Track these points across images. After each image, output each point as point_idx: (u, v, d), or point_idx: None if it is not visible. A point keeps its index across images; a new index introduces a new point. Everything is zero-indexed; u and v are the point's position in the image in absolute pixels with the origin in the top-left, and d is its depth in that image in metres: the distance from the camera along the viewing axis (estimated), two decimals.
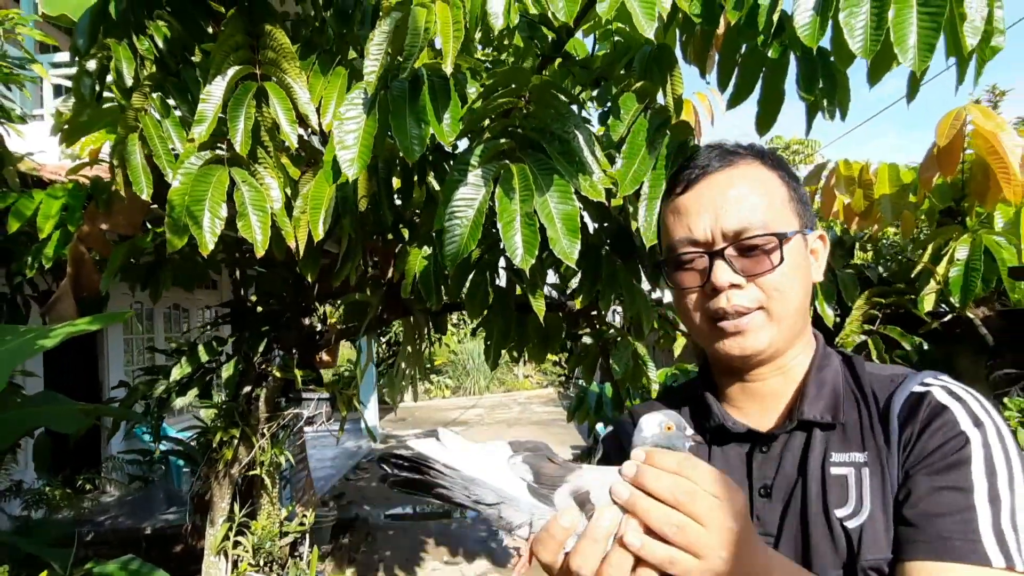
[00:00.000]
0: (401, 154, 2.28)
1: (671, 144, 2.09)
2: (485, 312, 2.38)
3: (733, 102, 2.36)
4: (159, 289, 3.60)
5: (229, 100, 2.13)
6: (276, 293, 3.53)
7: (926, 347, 2.49)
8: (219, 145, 2.22)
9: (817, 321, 2.76)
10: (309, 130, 2.27)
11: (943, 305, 2.42)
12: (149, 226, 3.47)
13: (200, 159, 2.16)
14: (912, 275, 2.59)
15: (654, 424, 0.68)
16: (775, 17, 1.64)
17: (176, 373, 3.31)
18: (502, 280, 2.50)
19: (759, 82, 2.29)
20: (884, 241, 3.15)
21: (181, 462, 6.50)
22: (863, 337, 2.55)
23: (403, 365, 3.38)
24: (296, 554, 3.90)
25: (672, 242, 0.90)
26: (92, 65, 2.39)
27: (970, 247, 2.31)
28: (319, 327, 3.39)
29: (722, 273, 0.83)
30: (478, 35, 2.06)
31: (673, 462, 0.61)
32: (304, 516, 3.92)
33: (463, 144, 2.30)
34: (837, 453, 0.82)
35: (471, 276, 2.22)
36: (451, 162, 2.70)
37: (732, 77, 2.33)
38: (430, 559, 4.87)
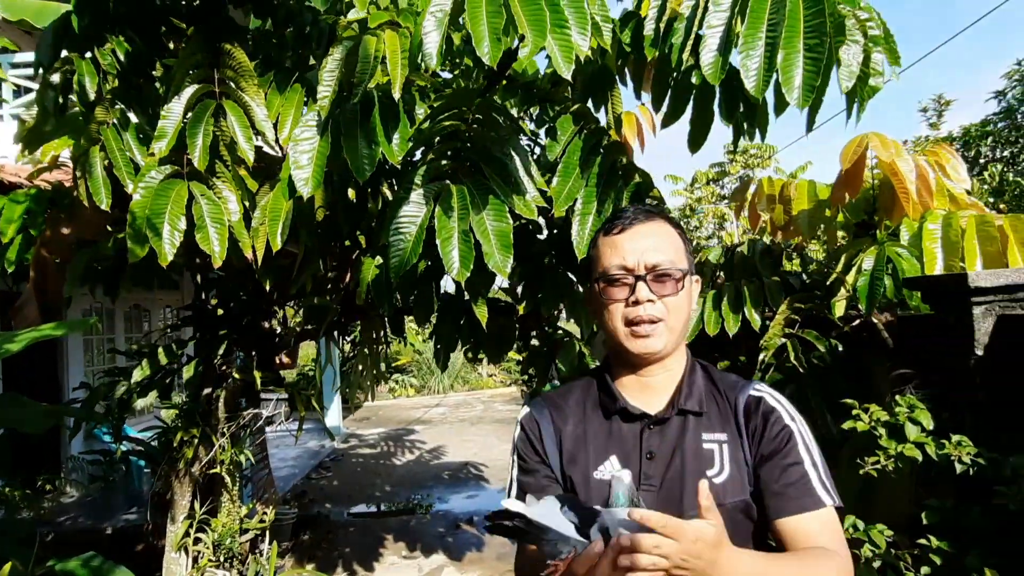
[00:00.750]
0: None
1: (603, 164, 2.29)
2: (433, 319, 2.54)
3: (666, 122, 2.56)
4: (118, 292, 3.68)
5: (188, 117, 2.25)
6: (236, 297, 3.63)
7: (840, 348, 2.72)
8: (177, 161, 2.34)
9: (745, 325, 2.98)
10: (275, 144, 2.38)
11: (853, 311, 2.65)
12: (110, 229, 3.54)
13: (160, 173, 2.27)
14: (828, 283, 2.82)
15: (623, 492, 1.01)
16: (685, 56, 1.83)
17: (137, 375, 3.39)
18: (451, 288, 2.66)
19: (689, 104, 2.49)
20: (808, 252, 3.38)
21: (142, 463, 6.52)
22: (784, 340, 2.77)
23: (360, 367, 3.52)
24: (256, 551, 3.99)
25: (608, 266, 1.19)
26: (56, 78, 2.47)
27: (875, 258, 2.53)
28: (279, 329, 3.50)
29: (643, 291, 1.15)
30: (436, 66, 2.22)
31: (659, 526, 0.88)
32: (264, 514, 4.02)
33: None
34: (706, 433, 1.16)
35: (417, 285, 2.37)
36: (402, 177, 2.86)
37: (665, 100, 2.53)
38: (389, 554, 5.01)
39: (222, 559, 3.63)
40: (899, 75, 1.90)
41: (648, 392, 1.20)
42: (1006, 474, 1.81)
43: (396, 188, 2.78)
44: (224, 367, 3.58)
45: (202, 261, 3.66)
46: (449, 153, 2.05)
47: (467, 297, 2.75)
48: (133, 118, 2.57)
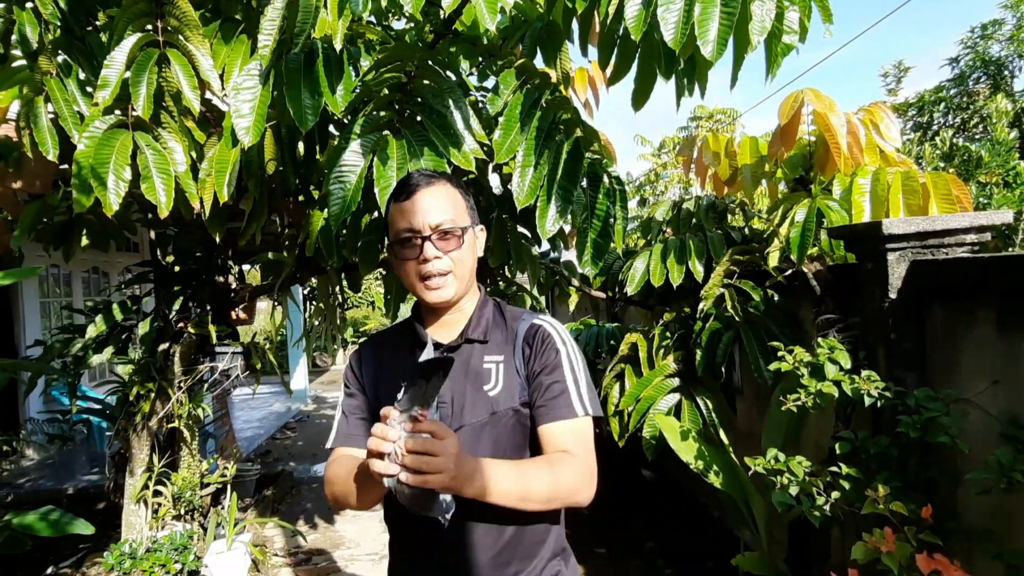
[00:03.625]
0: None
1: (543, 118, 2.34)
2: (382, 270, 2.60)
3: (612, 79, 2.62)
4: (72, 248, 3.66)
5: (132, 66, 2.24)
6: (191, 252, 3.64)
7: (776, 298, 2.85)
8: (122, 111, 2.34)
9: (689, 275, 3.10)
10: (221, 94, 2.38)
11: (785, 262, 2.77)
12: (61, 184, 3.50)
13: (105, 123, 2.27)
14: (765, 236, 2.94)
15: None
16: (611, 9, 1.89)
17: (92, 331, 3.40)
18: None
19: (635, 63, 2.55)
20: (756, 206, 3.50)
21: (104, 423, 6.51)
22: (723, 289, 2.90)
23: (317, 323, 3.57)
24: (217, 505, 4.07)
25: (398, 230, 1.32)
26: None
27: (807, 210, 2.66)
28: (234, 285, 3.52)
29: (430, 250, 1.29)
30: (366, 15, 2.24)
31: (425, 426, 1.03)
32: (226, 468, 4.09)
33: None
34: (487, 356, 1.35)
35: (363, 236, 2.42)
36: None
37: (611, 58, 2.58)
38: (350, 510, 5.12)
39: (182, 512, 3.70)
40: (831, 32, 1.98)
41: (446, 327, 1.39)
42: (911, 405, 1.96)
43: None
44: (180, 323, 3.60)
45: (154, 216, 3.66)
46: (390, 104, 2.09)
47: None
48: (76, 68, 2.54)
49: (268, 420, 8.34)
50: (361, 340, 1.58)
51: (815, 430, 2.74)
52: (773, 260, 2.74)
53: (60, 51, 2.46)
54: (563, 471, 1.23)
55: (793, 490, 2.07)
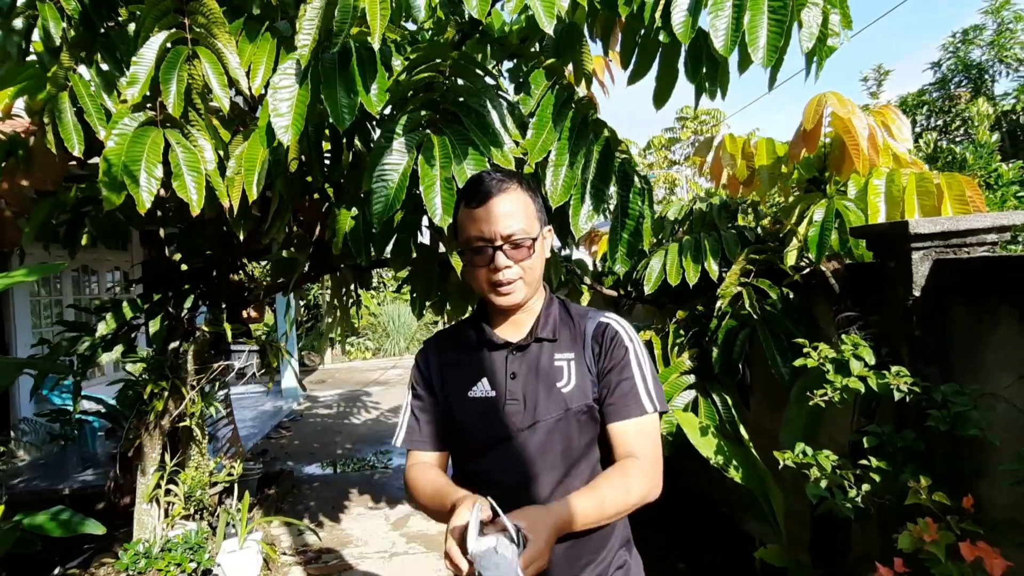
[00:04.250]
0: (331, 120, 2.47)
1: (575, 118, 2.37)
2: (409, 268, 2.60)
3: (633, 78, 2.66)
4: (76, 247, 3.62)
5: (161, 63, 2.23)
6: (202, 250, 3.62)
7: (791, 296, 2.91)
8: (149, 106, 2.33)
9: (704, 275, 3.15)
10: (233, 91, 2.38)
11: (804, 260, 2.83)
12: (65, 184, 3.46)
13: (135, 120, 2.26)
14: (781, 235, 3.00)
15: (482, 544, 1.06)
16: (657, 14, 1.93)
17: (102, 329, 3.37)
18: (426, 238, 2.72)
19: (656, 62, 2.59)
20: (763, 207, 3.56)
21: (96, 424, 6.43)
22: (739, 288, 2.95)
23: (330, 320, 3.56)
24: (222, 504, 4.05)
25: (469, 236, 1.33)
26: (19, 23, 2.41)
27: (825, 210, 2.71)
28: (248, 283, 3.51)
29: (501, 259, 1.31)
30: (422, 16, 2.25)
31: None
32: (232, 467, 4.07)
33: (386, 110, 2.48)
34: (558, 354, 1.38)
35: (396, 234, 2.43)
36: (375, 129, 2.88)
37: (633, 56, 2.62)
38: (354, 506, 5.11)
39: (192, 510, 3.68)
40: (850, 38, 2.03)
41: (514, 326, 1.42)
42: (937, 400, 2.01)
43: (369, 140, 2.82)
44: (191, 321, 3.58)
45: (164, 214, 3.63)
46: (430, 103, 2.10)
47: (442, 249, 2.84)
48: (99, 66, 2.52)
49: (261, 419, 8.28)
50: (426, 341, 1.56)
51: (829, 426, 2.79)
52: (791, 259, 2.79)
53: (83, 47, 2.44)
54: (634, 481, 1.26)
55: (823, 483, 2.12)
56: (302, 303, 14.14)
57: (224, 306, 3.41)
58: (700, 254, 3.16)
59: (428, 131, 1.99)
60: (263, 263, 3.80)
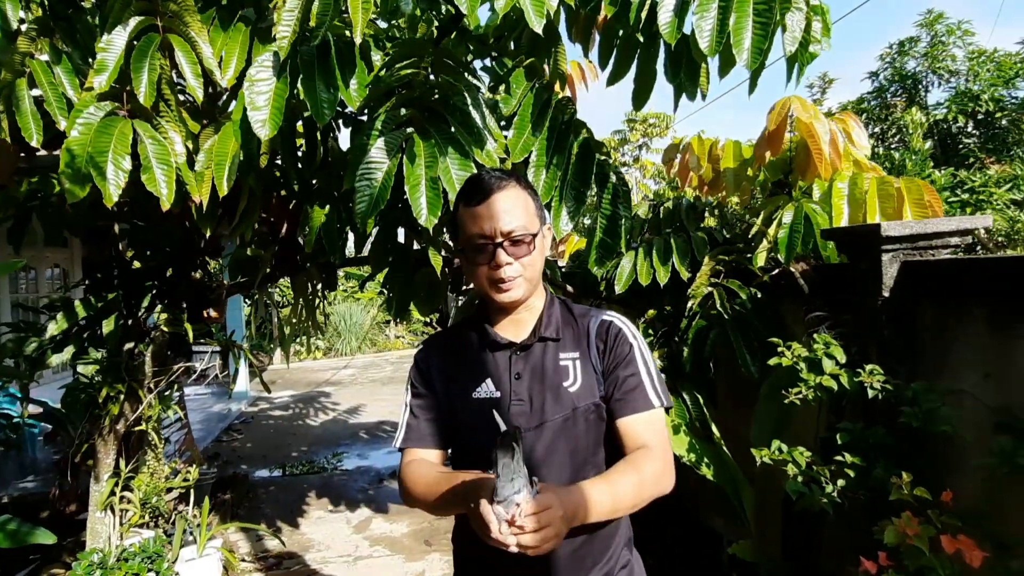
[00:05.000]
0: (306, 115, 2.40)
1: (555, 119, 2.37)
2: (387, 268, 2.56)
3: (612, 79, 2.67)
4: (22, 242, 3.44)
5: (132, 51, 2.13)
6: (159, 247, 3.48)
7: (759, 296, 2.97)
8: (115, 98, 2.22)
9: (675, 275, 3.19)
10: (217, 81, 2.29)
11: (772, 261, 2.90)
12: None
13: (100, 110, 2.16)
14: (749, 236, 3.06)
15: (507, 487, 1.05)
16: (643, 14, 1.94)
17: (53, 329, 3.20)
18: (400, 237, 2.68)
19: (634, 63, 2.60)
20: (728, 208, 3.63)
21: (36, 429, 6.12)
22: (709, 289, 3.00)
23: (295, 320, 3.48)
24: (179, 511, 3.91)
25: (470, 234, 1.32)
26: None
27: (794, 213, 2.78)
28: (210, 281, 3.39)
29: (502, 256, 1.30)
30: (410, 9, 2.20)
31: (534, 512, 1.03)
32: (188, 472, 3.93)
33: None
34: (562, 353, 1.38)
35: (374, 232, 2.38)
36: (340, 128, 2.83)
37: (611, 57, 2.63)
38: (314, 509, 5.00)
39: (147, 518, 3.53)
40: (830, 45, 2.09)
41: (516, 325, 1.41)
42: (908, 397, 2.09)
43: (335, 138, 2.76)
44: (147, 321, 3.44)
45: (119, 209, 3.48)
46: (411, 101, 2.07)
47: (415, 246, 2.79)
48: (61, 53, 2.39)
49: (209, 422, 8.03)
50: (424, 341, 1.54)
51: (794, 424, 2.87)
52: (760, 260, 2.86)
53: (42, 32, 2.31)
54: (646, 472, 1.26)
55: (800, 479, 2.17)
56: (248, 303, 13.79)
57: (185, 305, 3.29)
58: (669, 255, 3.20)
59: (412, 129, 1.96)
60: (223, 261, 3.68)
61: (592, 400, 1.34)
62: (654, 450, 1.30)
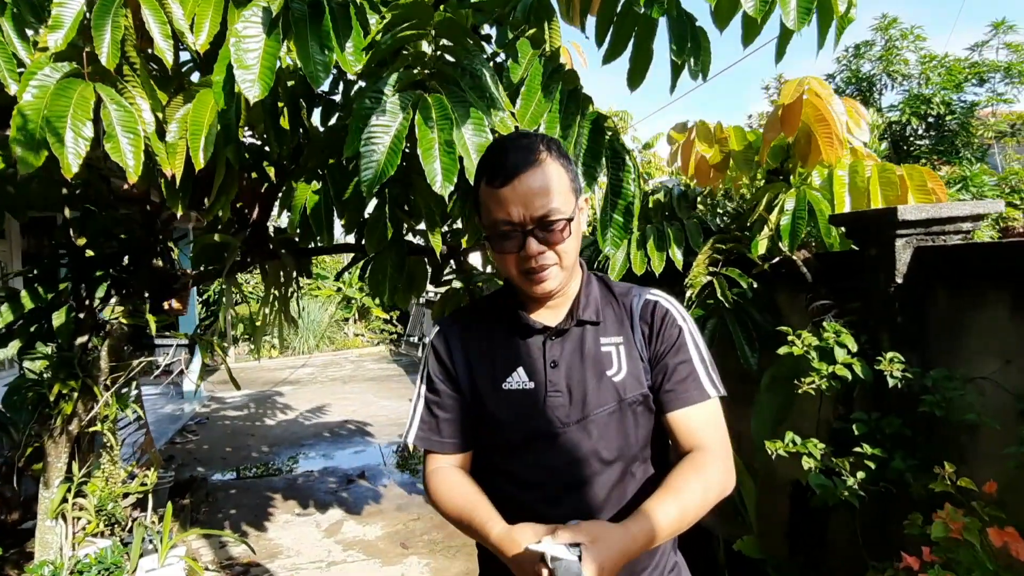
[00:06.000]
0: (291, 84, 2.21)
1: (563, 90, 2.23)
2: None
3: (608, 57, 2.54)
4: None
5: (93, 6, 1.91)
6: (113, 233, 3.21)
7: (755, 286, 2.89)
8: (73, 59, 1.99)
9: (669, 264, 3.09)
10: (189, 44, 2.08)
11: (771, 249, 2.82)
12: None
13: (57, 71, 1.93)
14: (747, 224, 2.98)
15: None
16: None
17: None
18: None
19: (631, 41, 2.49)
20: (720, 197, 3.56)
21: None
22: (708, 277, 2.91)
23: (267, 312, 3.26)
24: (134, 517, 3.64)
25: (495, 220, 1.16)
26: None
27: (796, 200, 2.71)
28: (174, 270, 3.14)
29: (533, 245, 1.14)
30: None
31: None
32: (146, 476, 3.66)
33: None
34: (604, 338, 1.23)
35: (371, 210, 2.20)
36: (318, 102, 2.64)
37: (608, 35, 2.51)
38: (280, 513, 4.76)
39: (102, 525, 3.26)
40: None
41: (550, 307, 1.26)
42: (928, 386, 2.02)
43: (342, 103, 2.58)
44: (102, 312, 3.17)
45: (71, 191, 3.20)
46: (417, 58, 1.90)
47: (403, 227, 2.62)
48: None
49: (161, 424, 7.63)
50: (441, 321, 1.34)
51: (796, 413, 2.80)
52: (761, 248, 2.77)
53: None
54: (712, 477, 1.12)
55: (817, 469, 2.08)
56: (200, 298, 13.27)
57: (147, 295, 3.03)
58: (664, 243, 3.11)
59: (420, 91, 1.79)
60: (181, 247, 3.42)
61: (640, 391, 1.20)
62: (714, 450, 1.16)
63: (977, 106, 12.89)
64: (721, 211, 3.44)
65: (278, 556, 3.98)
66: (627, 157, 2.24)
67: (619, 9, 2.46)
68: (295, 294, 3.26)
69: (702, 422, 1.18)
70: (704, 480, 1.10)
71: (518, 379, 1.22)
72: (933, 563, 1.54)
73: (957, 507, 1.63)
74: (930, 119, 12.61)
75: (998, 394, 1.96)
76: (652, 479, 1.22)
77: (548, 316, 1.25)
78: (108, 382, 3.02)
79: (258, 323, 3.36)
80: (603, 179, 2.22)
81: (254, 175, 2.97)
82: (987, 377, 1.99)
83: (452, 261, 3.36)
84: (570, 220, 1.15)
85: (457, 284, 3.37)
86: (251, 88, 1.79)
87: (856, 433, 2.12)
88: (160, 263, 3.06)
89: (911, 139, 13.04)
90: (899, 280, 2.23)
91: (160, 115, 2.13)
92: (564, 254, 1.17)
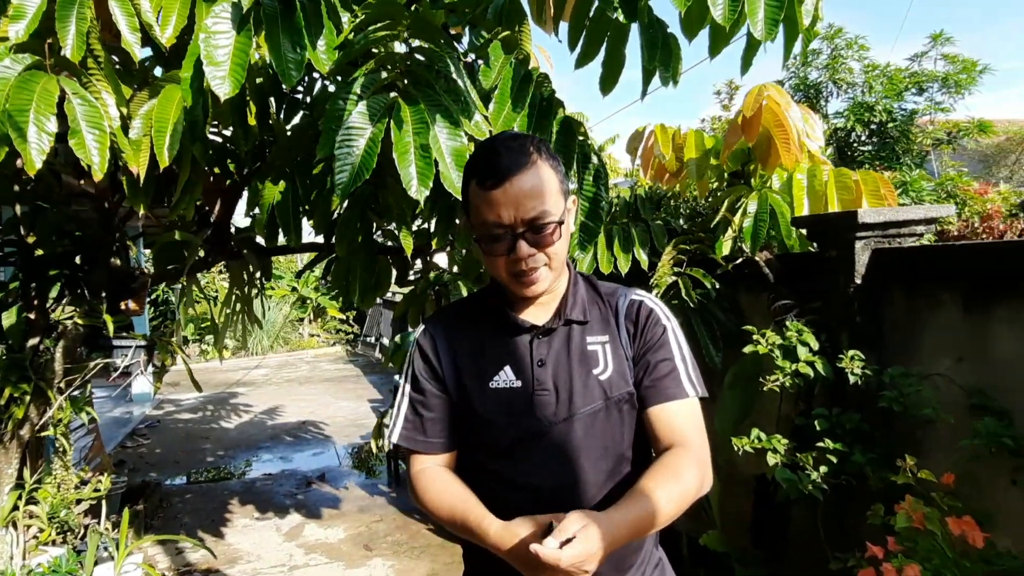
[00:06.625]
0: (259, 81, 2.18)
1: (535, 95, 2.25)
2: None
3: (580, 62, 2.57)
4: None
5: None
6: (69, 231, 3.10)
7: (717, 286, 2.97)
8: (35, 51, 1.92)
9: (635, 264, 3.14)
10: (158, 39, 2.02)
11: (734, 251, 2.90)
12: None
13: (18, 62, 1.86)
14: (711, 225, 3.05)
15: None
16: None
17: None
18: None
19: (603, 46, 2.52)
20: (683, 199, 3.63)
21: None
22: (673, 278, 2.97)
23: (229, 311, 3.19)
24: (87, 524, 3.52)
25: (485, 221, 1.16)
26: None
27: (758, 203, 2.79)
28: (132, 269, 3.04)
29: (523, 248, 1.15)
30: None
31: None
32: (99, 482, 3.55)
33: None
34: (590, 337, 1.25)
35: (343, 210, 2.18)
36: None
37: (580, 40, 2.54)
38: (238, 517, 4.66)
39: (54, 533, 3.15)
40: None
41: (537, 306, 1.27)
42: (885, 382, 2.11)
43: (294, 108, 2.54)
44: (55, 313, 3.06)
45: (22, 188, 3.08)
46: (389, 59, 1.89)
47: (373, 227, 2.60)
48: None
49: (109, 428, 7.38)
50: (427, 319, 1.33)
51: (757, 410, 2.88)
52: (725, 249, 2.85)
53: None
54: (688, 476, 1.13)
55: (780, 464, 2.15)
56: (149, 298, 12.86)
57: (104, 295, 2.93)
58: (630, 244, 3.16)
59: (395, 94, 1.78)
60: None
61: (626, 389, 1.22)
62: (692, 449, 1.17)
63: (916, 114, 13.45)
64: (684, 213, 3.52)
65: (238, 561, 3.90)
66: (597, 160, 2.27)
67: (592, 14, 2.50)
68: (259, 294, 3.21)
69: (682, 418, 1.20)
70: (681, 485, 1.12)
71: (505, 377, 1.22)
72: (896, 552, 1.61)
73: (917, 498, 1.71)
74: (873, 126, 13.09)
75: (951, 390, 2.06)
76: (641, 461, 1.25)
77: (535, 315, 1.26)
78: (62, 385, 2.91)
79: (220, 323, 3.28)
80: (573, 184, 2.26)
81: (217, 171, 2.91)
82: (941, 374, 2.09)
83: (419, 261, 3.35)
84: (560, 223, 1.16)
85: (423, 284, 3.36)
86: (221, 85, 1.76)
87: (818, 429, 2.20)
88: (118, 262, 2.97)
89: (855, 145, 13.50)
90: (858, 281, 2.32)
91: (124, 110, 2.07)
92: (554, 256, 1.18)
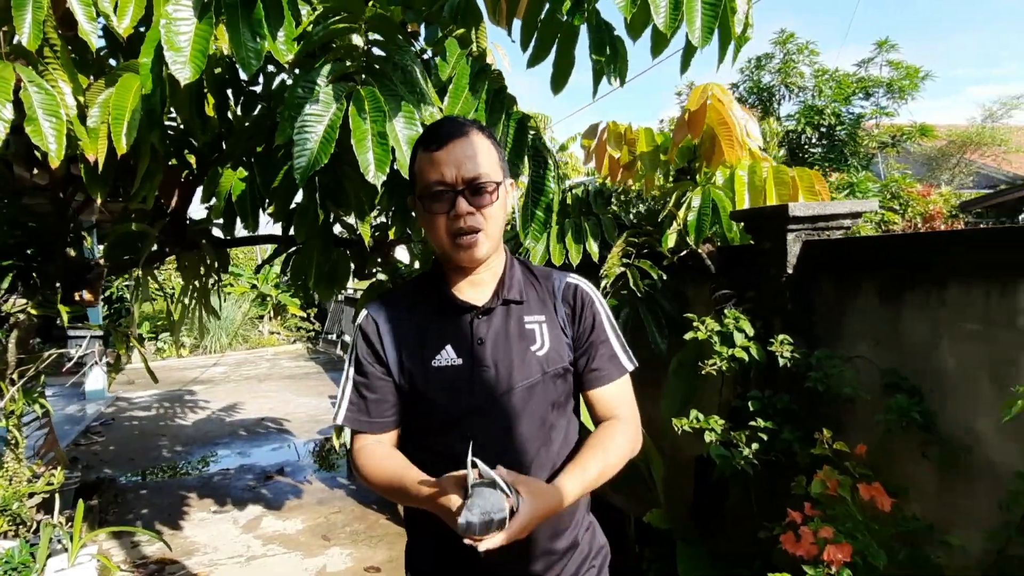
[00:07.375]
0: (217, 72, 2.23)
1: (489, 89, 2.35)
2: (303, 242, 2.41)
3: (532, 61, 2.68)
4: None
5: None
6: (22, 223, 3.08)
7: (665, 276, 3.11)
8: None
9: (587, 256, 3.26)
10: (115, 28, 2.06)
11: (679, 243, 3.04)
12: None
13: None
14: (659, 220, 3.19)
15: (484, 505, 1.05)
16: None
17: None
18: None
19: (555, 47, 2.63)
20: (631, 194, 3.77)
21: None
22: (622, 269, 3.10)
23: (186, 304, 3.21)
24: (38, 519, 3.50)
25: (428, 182, 1.25)
26: None
27: (702, 198, 2.94)
28: (87, 260, 3.04)
29: (462, 205, 1.23)
30: None
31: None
32: (52, 476, 3.53)
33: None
34: (527, 316, 1.34)
35: (300, 199, 2.25)
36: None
37: (532, 40, 2.64)
38: (195, 511, 4.64)
39: (6, 526, 3.13)
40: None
41: (475, 287, 1.34)
42: (812, 364, 2.26)
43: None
44: (5, 304, 3.04)
45: None
46: (348, 51, 1.97)
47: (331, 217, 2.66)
48: None
49: (62, 425, 7.24)
50: (369, 304, 1.39)
51: (700, 395, 3.03)
52: (671, 242, 2.99)
53: None
54: (620, 444, 1.30)
55: (717, 441, 2.29)
56: (104, 293, 12.57)
57: (58, 286, 2.93)
58: (581, 236, 3.28)
59: (352, 83, 1.86)
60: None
61: (562, 364, 1.32)
62: (626, 421, 1.34)
63: (863, 118, 13.98)
64: (634, 208, 3.66)
65: (195, 553, 3.91)
66: (548, 156, 2.38)
67: (543, 15, 2.60)
68: (216, 286, 3.23)
69: (618, 395, 1.36)
70: (606, 453, 1.27)
71: (447, 356, 1.29)
72: (813, 517, 1.75)
73: (833, 468, 1.86)
74: (822, 129, 13.56)
75: (870, 370, 2.22)
76: (572, 427, 1.38)
77: (474, 295, 1.33)
78: (15, 376, 2.91)
79: (176, 316, 3.29)
80: (524, 179, 2.36)
81: (174, 162, 2.93)
82: (861, 356, 2.25)
83: (378, 257, 3.42)
84: (498, 184, 1.27)
85: (382, 277, 3.43)
86: (182, 70, 1.81)
87: (751, 409, 2.35)
88: (73, 252, 2.97)
89: (806, 147, 13.96)
90: (790, 271, 2.48)
91: (81, 99, 2.10)
92: (491, 219, 1.27)
